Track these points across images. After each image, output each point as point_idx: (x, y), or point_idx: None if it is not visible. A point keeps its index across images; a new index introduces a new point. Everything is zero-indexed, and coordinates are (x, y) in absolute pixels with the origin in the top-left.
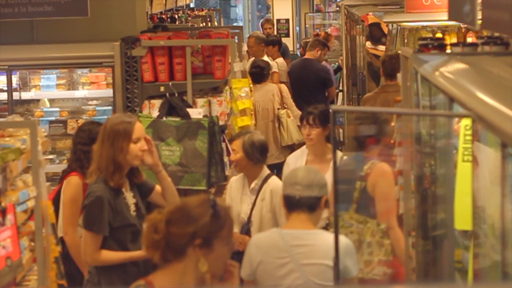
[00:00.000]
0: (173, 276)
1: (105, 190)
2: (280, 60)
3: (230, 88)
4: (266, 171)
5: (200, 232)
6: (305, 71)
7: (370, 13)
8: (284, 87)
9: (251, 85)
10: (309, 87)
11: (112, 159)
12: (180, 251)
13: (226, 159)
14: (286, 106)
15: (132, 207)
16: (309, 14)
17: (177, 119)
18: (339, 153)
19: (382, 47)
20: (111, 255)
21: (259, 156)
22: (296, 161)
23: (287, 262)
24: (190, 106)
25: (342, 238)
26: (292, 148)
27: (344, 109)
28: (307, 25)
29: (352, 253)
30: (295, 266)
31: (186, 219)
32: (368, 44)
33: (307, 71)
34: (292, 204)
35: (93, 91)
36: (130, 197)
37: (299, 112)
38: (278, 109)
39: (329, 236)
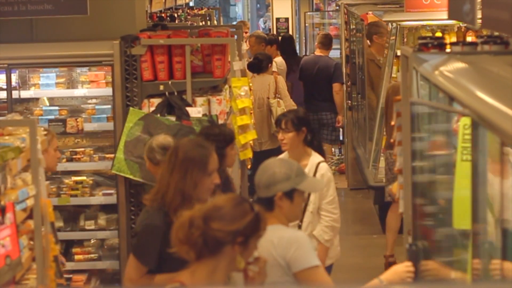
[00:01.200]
0: (206, 273)
1: (164, 221)
2: (279, 59)
3: (230, 87)
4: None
5: (244, 230)
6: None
7: (370, 12)
8: (280, 79)
9: (251, 77)
10: (320, 82)
11: (181, 191)
12: (217, 248)
13: None
14: (279, 96)
15: None
16: (308, 13)
17: (173, 119)
18: (316, 159)
19: None
20: (151, 281)
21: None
22: None
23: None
24: (190, 105)
25: (291, 230)
26: None
27: (422, 102)
28: (306, 24)
29: (303, 244)
30: None
31: (230, 216)
32: (368, 43)
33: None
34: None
35: (93, 89)
36: None
37: (292, 103)
38: (268, 98)
39: (282, 231)
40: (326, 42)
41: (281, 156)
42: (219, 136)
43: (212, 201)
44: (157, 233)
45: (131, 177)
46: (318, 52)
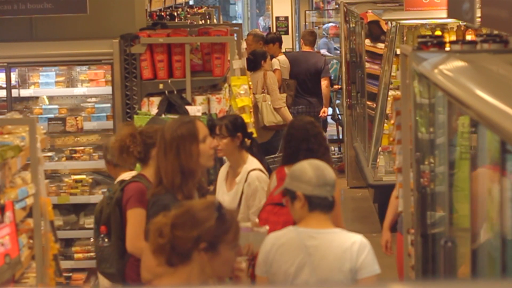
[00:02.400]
0: (179, 280)
1: (174, 201)
2: (282, 57)
3: (229, 85)
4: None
5: (205, 236)
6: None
7: (369, 11)
8: (269, 74)
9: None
10: (310, 77)
11: (179, 169)
12: (186, 255)
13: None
14: (266, 91)
15: None
16: (308, 11)
17: (176, 116)
18: (249, 166)
19: (381, 45)
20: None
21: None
22: (222, 173)
23: (302, 261)
24: (189, 104)
25: (357, 237)
26: (269, 129)
27: None
28: (306, 23)
29: (367, 250)
30: (308, 265)
31: (191, 222)
32: (367, 42)
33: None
34: (319, 204)
35: (92, 88)
36: None
37: (279, 98)
38: (254, 94)
39: (346, 236)
40: (312, 39)
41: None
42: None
43: (184, 206)
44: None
45: None
46: (306, 48)
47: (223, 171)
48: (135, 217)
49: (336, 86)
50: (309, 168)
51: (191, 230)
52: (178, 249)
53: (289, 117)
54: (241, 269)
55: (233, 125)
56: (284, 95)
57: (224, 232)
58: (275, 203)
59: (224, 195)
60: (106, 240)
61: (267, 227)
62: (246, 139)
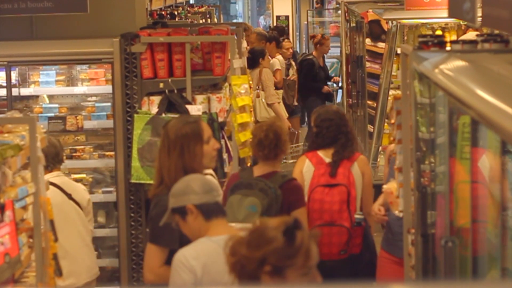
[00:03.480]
0: None
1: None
2: (281, 57)
3: (230, 84)
4: None
5: (270, 258)
6: None
7: (370, 10)
8: (265, 71)
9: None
10: None
11: (182, 168)
12: (254, 277)
13: (225, 155)
14: (261, 87)
15: None
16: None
17: (177, 115)
18: None
19: (381, 44)
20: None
21: None
22: None
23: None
24: (190, 103)
25: None
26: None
27: None
28: (305, 22)
29: None
30: None
31: (257, 242)
32: (368, 41)
33: None
34: (213, 211)
35: (92, 87)
36: None
37: (272, 94)
38: None
39: None
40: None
41: None
42: None
43: (259, 223)
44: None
45: (148, 182)
46: None
47: None
48: None
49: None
50: (190, 181)
51: (256, 250)
52: (246, 270)
53: (282, 113)
54: None
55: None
56: (280, 91)
57: (291, 256)
58: (323, 184)
59: None
60: None
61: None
62: None
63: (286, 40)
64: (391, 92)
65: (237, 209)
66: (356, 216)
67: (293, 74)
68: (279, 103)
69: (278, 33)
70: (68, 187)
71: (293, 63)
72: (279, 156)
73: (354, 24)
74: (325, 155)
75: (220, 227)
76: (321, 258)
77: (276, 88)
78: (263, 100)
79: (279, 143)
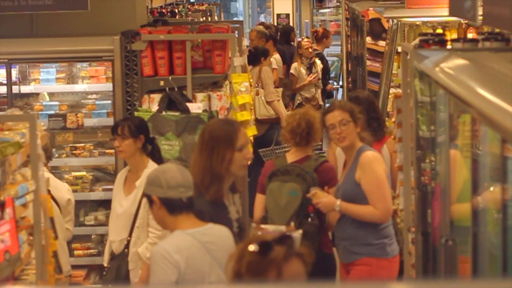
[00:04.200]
0: None
1: (204, 203)
2: (278, 56)
3: (230, 82)
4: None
5: (243, 270)
6: None
7: (371, 9)
8: (264, 69)
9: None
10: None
11: (209, 169)
12: None
13: None
14: (260, 85)
15: (235, 224)
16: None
17: (177, 113)
18: (151, 169)
19: (382, 43)
20: None
21: None
22: (120, 178)
23: (208, 259)
24: (190, 101)
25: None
26: (262, 122)
27: None
28: (306, 20)
29: None
30: (214, 261)
31: (239, 253)
32: (368, 39)
33: None
34: (177, 206)
35: (93, 85)
36: (233, 212)
37: (272, 92)
38: None
39: (223, 229)
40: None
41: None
42: None
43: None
44: (198, 215)
45: None
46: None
47: (120, 176)
48: None
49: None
50: (162, 172)
51: (237, 262)
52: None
53: (282, 110)
54: None
55: (136, 126)
56: (280, 89)
57: (261, 270)
58: None
59: (122, 200)
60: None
61: (301, 231)
62: (148, 144)
63: (305, 39)
64: (392, 90)
65: (278, 195)
66: None
67: (315, 72)
68: (278, 101)
69: (283, 33)
70: (49, 183)
71: (317, 62)
72: (311, 142)
73: (354, 23)
74: None
75: (188, 222)
76: None
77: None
78: (263, 98)
79: (311, 131)
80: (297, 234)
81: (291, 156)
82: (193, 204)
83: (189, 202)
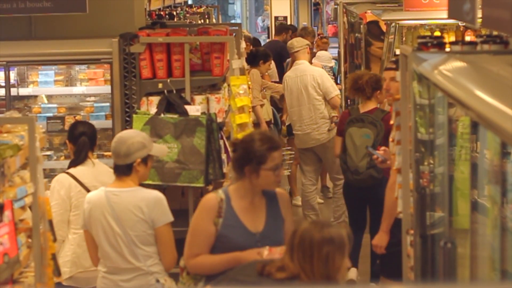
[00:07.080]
0: None
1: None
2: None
3: (229, 85)
4: None
5: None
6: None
7: (369, 11)
8: (253, 71)
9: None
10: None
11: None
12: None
13: (224, 156)
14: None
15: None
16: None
17: (175, 116)
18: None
19: (380, 45)
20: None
21: None
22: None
23: (109, 215)
24: (188, 103)
25: (152, 192)
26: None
27: None
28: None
29: (160, 205)
30: (114, 218)
31: None
32: (366, 42)
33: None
34: (116, 169)
35: (91, 87)
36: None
37: (255, 97)
38: None
39: (142, 193)
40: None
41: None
42: None
43: None
44: None
45: (150, 182)
46: (277, 38)
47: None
48: None
49: None
50: (120, 142)
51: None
52: None
53: (262, 117)
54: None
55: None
56: (268, 93)
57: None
58: None
59: None
60: None
61: None
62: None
63: (322, 38)
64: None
65: (356, 137)
66: None
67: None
68: (262, 105)
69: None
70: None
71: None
72: (375, 95)
73: (352, 25)
74: None
75: (118, 182)
76: None
77: None
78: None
79: (375, 85)
80: None
81: (363, 107)
82: (122, 170)
83: (123, 168)
